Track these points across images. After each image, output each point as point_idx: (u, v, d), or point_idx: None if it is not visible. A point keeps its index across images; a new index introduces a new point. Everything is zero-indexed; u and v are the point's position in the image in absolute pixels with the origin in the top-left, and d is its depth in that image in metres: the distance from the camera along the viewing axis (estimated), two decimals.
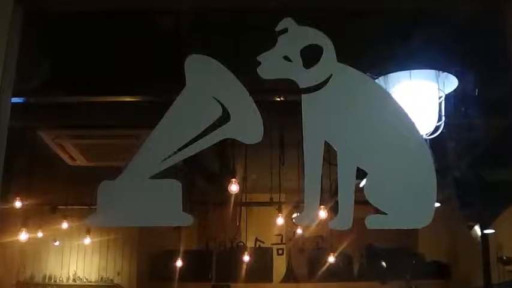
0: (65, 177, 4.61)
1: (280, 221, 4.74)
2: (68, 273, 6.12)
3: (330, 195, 2.54)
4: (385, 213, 1.17)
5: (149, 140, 1.25)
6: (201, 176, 4.72)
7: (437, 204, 1.20)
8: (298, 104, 0.93)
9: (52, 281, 6.08)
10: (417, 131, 1.24)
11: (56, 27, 1.94)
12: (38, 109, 2.84)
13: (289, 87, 0.92)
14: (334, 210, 1.30)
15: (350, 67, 0.92)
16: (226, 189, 3.96)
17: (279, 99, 2.39)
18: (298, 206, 4.51)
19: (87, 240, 5.61)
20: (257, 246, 6.03)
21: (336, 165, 1.08)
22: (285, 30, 0.82)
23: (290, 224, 5.33)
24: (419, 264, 5.76)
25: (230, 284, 5.91)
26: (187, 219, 1.26)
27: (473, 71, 2.02)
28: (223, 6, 0.89)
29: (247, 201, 5.05)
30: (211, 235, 5.96)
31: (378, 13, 1.57)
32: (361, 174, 1.17)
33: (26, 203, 4.68)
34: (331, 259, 5.60)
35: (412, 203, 1.09)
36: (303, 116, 0.92)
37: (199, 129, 1.20)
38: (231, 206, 4.98)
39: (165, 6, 1.45)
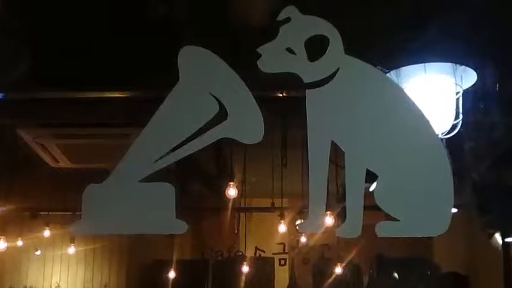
0: (46, 180, 4.61)
1: (282, 228, 4.74)
2: (51, 285, 6.12)
3: (337, 200, 2.54)
4: (397, 220, 1.17)
5: (139, 139, 1.25)
6: (196, 179, 4.72)
7: (454, 210, 1.20)
8: (303, 100, 0.93)
9: None
10: (432, 130, 1.24)
11: (35, 10, 1.94)
12: (17, 105, 2.84)
13: (293, 81, 0.92)
14: (341, 217, 1.29)
15: (359, 60, 0.92)
16: (223, 194, 3.97)
17: (281, 95, 2.40)
18: (302, 212, 4.51)
19: (71, 250, 5.61)
20: (257, 255, 6.04)
21: (344, 167, 1.08)
22: (287, 20, 0.81)
23: (293, 231, 5.33)
24: (435, 275, 5.76)
25: None
26: (181, 227, 1.26)
27: (494, 64, 2.02)
28: None
29: (246, 206, 5.05)
30: (207, 244, 5.96)
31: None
32: (371, 177, 1.17)
33: (3, 208, 4.68)
34: (338, 270, 5.60)
35: (426, 208, 1.08)
36: (307, 113, 0.92)
37: (193, 128, 1.19)
38: (229, 212, 4.99)
39: None
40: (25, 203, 5.18)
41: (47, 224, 5.39)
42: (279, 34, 0.79)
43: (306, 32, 0.82)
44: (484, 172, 3.19)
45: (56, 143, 3.87)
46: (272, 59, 0.77)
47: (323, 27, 0.83)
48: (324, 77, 0.84)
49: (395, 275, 5.80)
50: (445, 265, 5.97)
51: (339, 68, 0.86)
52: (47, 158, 4.10)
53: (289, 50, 0.78)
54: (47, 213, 5.39)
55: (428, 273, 5.72)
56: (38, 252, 5.95)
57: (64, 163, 4.19)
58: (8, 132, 3.54)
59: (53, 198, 5.19)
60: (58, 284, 6.14)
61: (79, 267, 6.15)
